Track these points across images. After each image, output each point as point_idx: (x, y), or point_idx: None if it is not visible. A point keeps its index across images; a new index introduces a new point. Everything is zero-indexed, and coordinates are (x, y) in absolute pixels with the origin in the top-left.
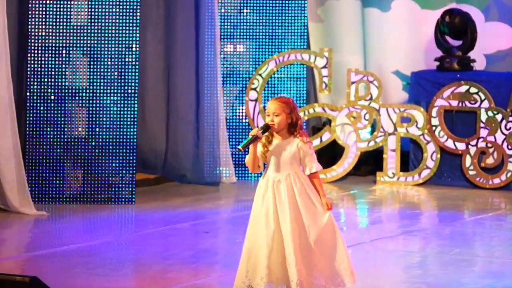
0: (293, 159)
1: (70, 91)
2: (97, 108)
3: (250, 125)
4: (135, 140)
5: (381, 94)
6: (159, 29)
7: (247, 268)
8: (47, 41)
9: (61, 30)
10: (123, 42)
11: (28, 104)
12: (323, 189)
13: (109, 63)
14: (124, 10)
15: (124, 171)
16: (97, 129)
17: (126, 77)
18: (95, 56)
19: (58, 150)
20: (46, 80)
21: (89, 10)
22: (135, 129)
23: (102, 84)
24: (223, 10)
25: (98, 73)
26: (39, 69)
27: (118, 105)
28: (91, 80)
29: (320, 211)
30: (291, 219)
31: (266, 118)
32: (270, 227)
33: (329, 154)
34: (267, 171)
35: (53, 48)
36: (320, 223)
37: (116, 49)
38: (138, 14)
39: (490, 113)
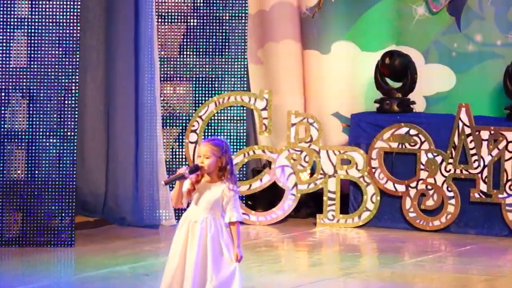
0: (215, 204)
1: (9, 133)
2: (36, 150)
3: None
4: (74, 182)
5: (321, 136)
6: (99, 71)
7: None
8: None
9: None
10: (63, 84)
11: None
12: (239, 239)
13: (48, 105)
14: (64, 52)
15: (63, 214)
16: (36, 172)
17: (66, 119)
18: (34, 98)
19: None
20: None
21: (29, 51)
22: (74, 172)
23: (41, 126)
24: (163, 53)
25: (37, 115)
26: None
27: (57, 148)
28: (30, 122)
29: (227, 261)
30: (197, 263)
31: (196, 159)
32: (173, 263)
33: (269, 197)
34: (189, 208)
35: None
36: (224, 273)
37: (56, 91)
38: (78, 56)
39: (430, 155)
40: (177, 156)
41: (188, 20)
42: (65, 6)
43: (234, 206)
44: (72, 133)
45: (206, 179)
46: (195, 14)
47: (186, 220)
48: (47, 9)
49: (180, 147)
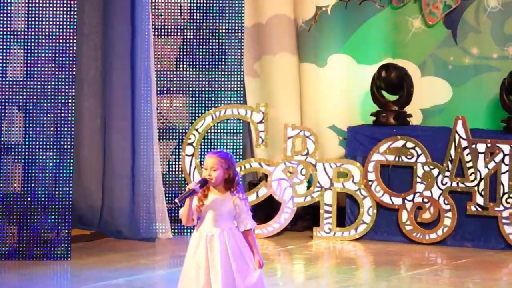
0: (228, 215)
1: (5, 146)
2: (33, 164)
3: (186, 180)
4: (70, 195)
5: (318, 149)
6: (95, 85)
7: None
8: None
9: None
10: (59, 97)
11: None
12: (257, 246)
13: (45, 118)
14: (60, 66)
15: (59, 227)
16: (33, 185)
17: (62, 132)
18: (31, 111)
19: None
20: None
21: (25, 65)
22: (70, 185)
23: (37, 139)
24: (159, 66)
25: (34, 129)
26: None
27: (54, 161)
28: (27, 136)
29: (251, 269)
30: (222, 275)
31: (203, 172)
32: (200, 282)
33: (266, 210)
34: (200, 225)
35: None
36: (250, 282)
37: (52, 104)
38: (74, 69)
39: (426, 168)
40: (173, 169)
41: (185, 33)
42: (61, 20)
43: (247, 214)
44: (69, 146)
45: (213, 192)
46: (191, 27)
47: (201, 236)
48: (44, 23)
49: (177, 160)
